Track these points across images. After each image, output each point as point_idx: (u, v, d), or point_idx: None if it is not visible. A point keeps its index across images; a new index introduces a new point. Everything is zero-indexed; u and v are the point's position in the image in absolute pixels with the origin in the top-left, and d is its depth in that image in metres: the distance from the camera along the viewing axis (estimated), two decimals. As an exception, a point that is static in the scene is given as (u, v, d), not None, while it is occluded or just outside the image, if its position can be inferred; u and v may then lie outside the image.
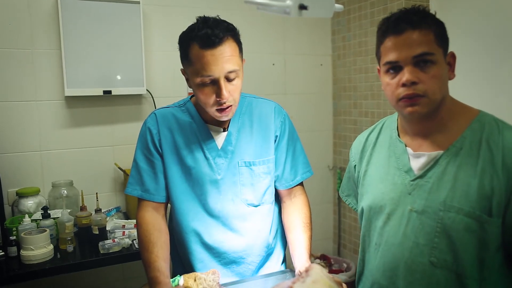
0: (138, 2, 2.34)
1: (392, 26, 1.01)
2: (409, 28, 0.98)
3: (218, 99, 1.24)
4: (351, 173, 1.32)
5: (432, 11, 1.04)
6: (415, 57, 0.98)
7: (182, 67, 1.32)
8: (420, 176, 1.05)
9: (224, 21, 1.26)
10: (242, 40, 1.30)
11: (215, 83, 1.23)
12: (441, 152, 1.03)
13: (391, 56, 1.01)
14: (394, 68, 1.02)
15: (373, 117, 2.70)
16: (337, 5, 0.97)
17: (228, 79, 1.24)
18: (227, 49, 1.22)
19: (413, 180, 1.06)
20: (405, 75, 0.98)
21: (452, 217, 0.98)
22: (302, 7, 0.88)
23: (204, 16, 1.27)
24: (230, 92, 1.25)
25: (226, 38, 1.22)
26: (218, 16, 1.28)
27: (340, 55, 2.99)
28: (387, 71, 1.04)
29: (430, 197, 1.02)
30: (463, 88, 2.14)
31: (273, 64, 2.89)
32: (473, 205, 0.96)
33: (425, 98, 0.99)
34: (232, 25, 1.27)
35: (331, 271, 2.81)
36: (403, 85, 1.00)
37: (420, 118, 1.05)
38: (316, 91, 3.06)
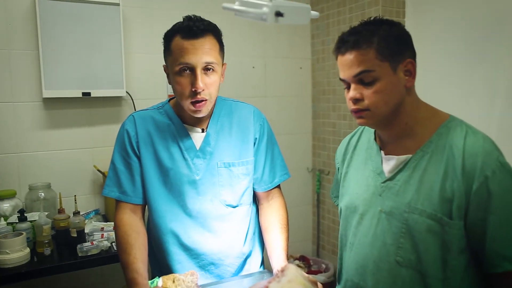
0: (118, 4, 2.33)
1: (336, 47, 1.07)
2: (349, 49, 1.03)
3: (193, 90, 1.26)
4: (337, 175, 1.36)
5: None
6: (355, 76, 1.03)
7: (164, 64, 1.34)
8: (390, 179, 1.09)
9: (208, 20, 1.31)
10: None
11: (193, 72, 1.26)
12: (409, 156, 1.07)
13: (340, 74, 1.08)
14: (347, 84, 1.07)
15: (352, 120, 2.75)
16: (313, 12, 1.00)
17: (206, 70, 1.27)
18: (207, 42, 1.27)
19: (383, 182, 1.11)
20: (350, 93, 1.06)
21: (415, 218, 1.02)
22: (279, 14, 0.90)
23: (189, 15, 1.31)
24: (206, 85, 1.28)
25: (207, 32, 1.27)
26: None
27: (319, 59, 3.04)
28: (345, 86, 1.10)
29: (397, 199, 1.06)
30: (436, 92, 2.21)
31: (253, 67, 2.92)
32: (435, 208, 1.00)
33: (369, 112, 1.05)
34: (215, 24, 1.32)
35: (310, 272, 2.85)
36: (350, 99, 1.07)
37: (376, 127, 1.12)
38: (296, 94, 3.10)
